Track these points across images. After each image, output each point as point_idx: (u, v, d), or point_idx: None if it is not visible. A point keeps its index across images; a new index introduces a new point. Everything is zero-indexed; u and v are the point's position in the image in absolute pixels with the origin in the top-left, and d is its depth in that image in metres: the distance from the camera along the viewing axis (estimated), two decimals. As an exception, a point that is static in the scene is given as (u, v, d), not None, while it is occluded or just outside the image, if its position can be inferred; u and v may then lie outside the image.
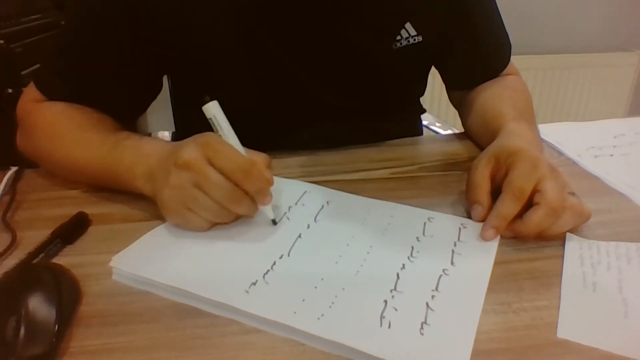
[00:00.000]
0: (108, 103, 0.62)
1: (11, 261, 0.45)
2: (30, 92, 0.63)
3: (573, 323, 0.38)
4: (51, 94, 0.62)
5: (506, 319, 0.39)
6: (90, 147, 0.56)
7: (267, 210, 0.49)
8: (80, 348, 0.37)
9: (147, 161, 0.51)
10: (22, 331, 0.35)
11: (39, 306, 0.37)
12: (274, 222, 0.50)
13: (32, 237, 0.48)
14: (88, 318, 0.39)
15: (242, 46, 0.63)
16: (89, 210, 0.53)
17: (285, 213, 0.52)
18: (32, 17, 1.33)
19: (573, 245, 0.48)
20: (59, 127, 0.60)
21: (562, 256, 0.46)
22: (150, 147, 0.52)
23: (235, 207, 0.47)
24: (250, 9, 0.61)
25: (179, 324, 0.39)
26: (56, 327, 0.36)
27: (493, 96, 0.70)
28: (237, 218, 0.49)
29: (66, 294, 0.40)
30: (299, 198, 0.56)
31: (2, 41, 1.17)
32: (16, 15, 1.28)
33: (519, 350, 0.36)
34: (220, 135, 0.48)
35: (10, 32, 1.22)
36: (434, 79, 0.79)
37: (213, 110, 0.47)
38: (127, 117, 0.68)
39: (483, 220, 0.50)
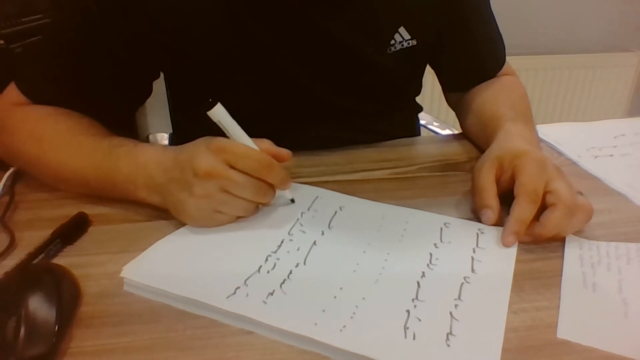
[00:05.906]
0: (95, 106, 0.59)
1: (11, 262, 0.45)
2: (11, 94, 0.60)
3: (573, 323, 0.38)
4: (35, 96, 0.59)
5: (506, 320, 0.39)
6: (82, 153, 0.54)
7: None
8: (80, 348, 0.37)
9: (146, 172, 0.50)
10: (23, 332, 0.35)
11: (39, 307, 0.37)
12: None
13: (32, 238, 0.48)
14: (88, 318, 0.39)
15: (237, 45, 0.62)
16: (89, 210, 0.53)
17: (297, 219, 0.52)
18: (32, 17, 1.33)
19: (573, 246, 0.48)
20: (47, 130, 0.57)
21: (562, 257, 0.46)
22: (146, 155, 0.51)
23: (263, 200, 0.50)
24: (245, 9, 0.60)
25: (179, 324, 0.39)
26: (56, 327, 0.36)
27: (490, 97, 0.70)
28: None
29: (66, 294, 0.40)
30: (310, 204, 0.54)
31: (2, 41, 1.17)
32: (16, 15, 1.28)
33: (519, 351, 0.36)
34: (229, 137, 0.49)
35: (10, 32, 1.22)
36: (434, 78, 0.79)
37: (219, 113, 0.48)
38: (114, 121, 0.62)
39: (494, 223, 0.49)
